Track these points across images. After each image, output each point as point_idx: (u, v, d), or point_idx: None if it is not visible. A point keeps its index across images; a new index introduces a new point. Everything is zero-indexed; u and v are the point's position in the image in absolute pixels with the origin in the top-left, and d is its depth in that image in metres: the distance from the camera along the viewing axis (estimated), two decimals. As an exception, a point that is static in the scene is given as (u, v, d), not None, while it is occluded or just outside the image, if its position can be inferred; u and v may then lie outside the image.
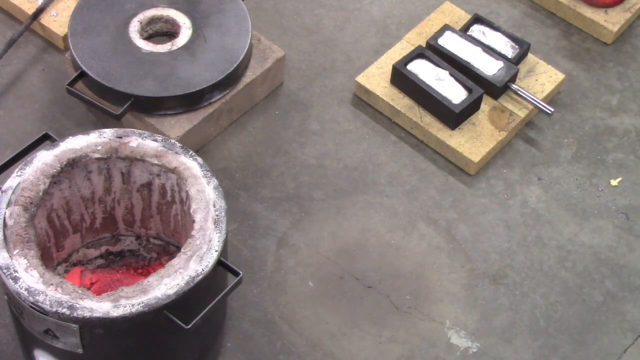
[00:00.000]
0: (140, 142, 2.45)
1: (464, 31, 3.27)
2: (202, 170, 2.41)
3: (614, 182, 3.11)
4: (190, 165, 2.42)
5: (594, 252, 2.95)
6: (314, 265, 2.86)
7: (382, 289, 2.82)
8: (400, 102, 3.15)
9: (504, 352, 2.73)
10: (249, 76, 3.09)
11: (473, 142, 3.07)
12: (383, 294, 2.81)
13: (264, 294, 2.79)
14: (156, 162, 2.44)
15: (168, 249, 2.71)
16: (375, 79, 3.20)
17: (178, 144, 2.45)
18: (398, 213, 2.98)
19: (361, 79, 3.20)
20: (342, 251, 2.89)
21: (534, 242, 2.95)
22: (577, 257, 2.93)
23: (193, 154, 2.44)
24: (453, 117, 3.05)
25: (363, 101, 3.22)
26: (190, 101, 2.95)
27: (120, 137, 2.45)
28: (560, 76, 3.25)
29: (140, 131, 2.47)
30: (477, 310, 2.80)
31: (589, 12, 3.43)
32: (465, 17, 3.37)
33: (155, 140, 2.46)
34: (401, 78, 3.14)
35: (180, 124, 2.95)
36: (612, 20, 3.42)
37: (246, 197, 2.97)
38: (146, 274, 2.67)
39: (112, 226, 2.67)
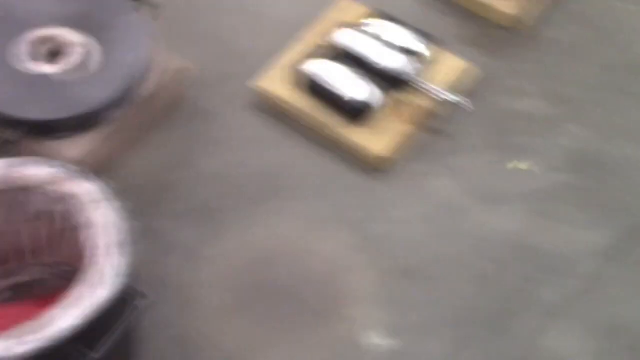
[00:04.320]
0: (36, 169, 2.40)
1: (363, 27, 3.26)
2: (103, 194, 2.36)
3: (523, 167, 3.12)
4: (90, 189, 2.37)
5: (507, 238, 2.96)
6: (228, 276, 2.83)
7: (298, 295, 2.80)
8: (303, 102, 3.13)
9: (425, 347, 2.73)
10: (148, 90, 3.03)
11: (379, 137, 3.06)
12: (299, 299, 2.79)
13: (178, 311, 2.75)
14: (54, 188, 2.39)
15: (76, 276, 2.65)
16: (276, 81, 3.17)
17: (76, 168, 2.40)
18: (309, 216, 2.96)
19: (262, 82, 3.18)
20: (256, 260, 2.86)
21: (448, 233, 2.96)
22: (491, 244, 2.94)
23: (93, 177, 2.39)
24: (356, 113, 3.05)
25: (266, 105, 3.19)
26: (87, 122, 2.87)
27: (14, 166, 2.40)
28: (463, 65, 3.26)
29: (36, 158, 2.41)
30: (393, 307, 2.79)
31: (486, -2, 3.45)
32: (364, 12, 3.35)
33: (52, 167, 2.40)
34: (302, 79, 3.12)
35: (78, 147, 2.88)
36: (510, 5, 3.43)
37: (153, 214, 2.93)
38: (56, 303, 2.61)
39: (18, 256, 2.61)
